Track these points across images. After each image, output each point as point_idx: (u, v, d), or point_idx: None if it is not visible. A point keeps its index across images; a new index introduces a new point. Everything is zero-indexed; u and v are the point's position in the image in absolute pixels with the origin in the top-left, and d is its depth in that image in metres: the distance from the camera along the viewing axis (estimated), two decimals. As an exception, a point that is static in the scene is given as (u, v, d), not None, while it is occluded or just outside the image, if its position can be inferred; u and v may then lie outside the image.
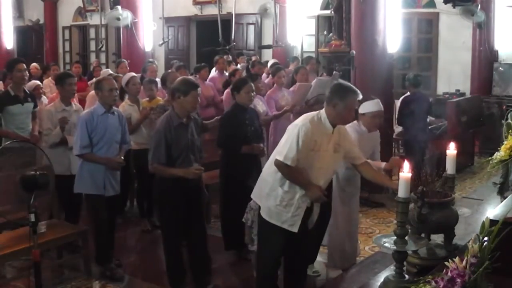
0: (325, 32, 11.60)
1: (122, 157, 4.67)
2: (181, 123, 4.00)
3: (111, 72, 6.43)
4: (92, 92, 6.51)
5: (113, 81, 4.71)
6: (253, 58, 9.94)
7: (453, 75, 10.28)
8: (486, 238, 1.94)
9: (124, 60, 8.82)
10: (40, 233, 4.23)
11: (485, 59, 9.92)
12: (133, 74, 6.21)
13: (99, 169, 4.48)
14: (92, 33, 15.72)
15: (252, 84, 4.88)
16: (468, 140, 8.18)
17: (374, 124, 4.30)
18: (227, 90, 6.45)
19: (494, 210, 2.74)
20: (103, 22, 12.55)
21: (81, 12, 15.88)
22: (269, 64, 8.84)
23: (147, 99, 5.82)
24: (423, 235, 2.79)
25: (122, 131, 4.67)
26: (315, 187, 3.40)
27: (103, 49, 13.83)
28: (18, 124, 5.32)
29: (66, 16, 16.18)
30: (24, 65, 5.51)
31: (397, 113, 7.37)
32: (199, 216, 4.18)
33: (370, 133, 4.31)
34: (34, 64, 10.48)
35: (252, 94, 4.83)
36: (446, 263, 1.96)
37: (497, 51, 10.01)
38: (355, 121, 4.20)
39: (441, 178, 2.93)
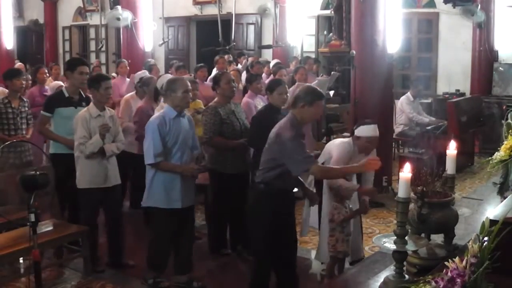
0: (325, 32, 11.62)
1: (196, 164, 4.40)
2: (300, 132, 3.63)
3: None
4: (127, 96, 6.17)
5: (187, 82, 4.28)
6: (259, 59, 9.94)
7: (453, 75, 10.28)
8: (486, 238, 1.94)
9: (124, 60, 8.82)
10: (48, 230, 4.29)
11: (485, 59, 9.93)
12: (170, 76, 5.84)
13: (174, 179, 4.13)
14: (92, 33, 15.72)
15: (286, 86, 4.85)
16: (468, 140, 8.17)
17: (367, 149, 4.18)
18: (246, 99, 5.82)
19: (494, 210, 2.72)
20: (103, 22, 12.59)
21: (81, 12, 15.88)
22: (271, 64, 8.87)
23: None
24: (423, 235, 2.79)
25: (192, 136, 4.34)
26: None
27: (103, 49, 13.86)
28: (69, 129, 4.64)
29: (66, 16, 16.18)
30: (87, 68, 5.07)
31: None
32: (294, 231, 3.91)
33: (361, 154, 4.17)
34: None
35: (285, 96, 4.76)
36: (446, 263, 1.96)
37: (497, 51, 10.02)
38: (350, 138, 4.20)
39: (441, 178, 2.93)
